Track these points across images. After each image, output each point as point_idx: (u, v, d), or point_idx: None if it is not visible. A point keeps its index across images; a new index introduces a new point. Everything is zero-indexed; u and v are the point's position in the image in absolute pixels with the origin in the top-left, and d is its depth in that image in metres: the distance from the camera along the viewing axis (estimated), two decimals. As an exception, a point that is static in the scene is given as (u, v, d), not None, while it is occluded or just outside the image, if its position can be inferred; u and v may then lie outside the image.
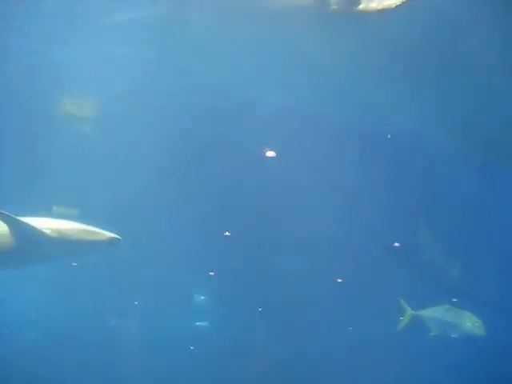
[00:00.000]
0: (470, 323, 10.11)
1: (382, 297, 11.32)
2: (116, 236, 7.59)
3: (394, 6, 5.50)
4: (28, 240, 7.35)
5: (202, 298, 15.35)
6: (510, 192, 9.47)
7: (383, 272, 11.27)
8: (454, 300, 10.50)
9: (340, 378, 12.61)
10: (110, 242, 7.61)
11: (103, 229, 7.62)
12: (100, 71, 8.02)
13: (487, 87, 6.56)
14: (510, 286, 10.99)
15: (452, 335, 10.15)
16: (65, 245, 7.57)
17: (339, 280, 11.92)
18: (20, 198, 8.80)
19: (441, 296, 10.79)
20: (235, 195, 10.04)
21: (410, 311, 10.51)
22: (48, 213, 8.07)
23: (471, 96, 6.50)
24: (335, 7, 5.67)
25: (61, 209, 10.04)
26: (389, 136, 7.89)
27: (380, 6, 5.58)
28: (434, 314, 10.46)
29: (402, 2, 5.47)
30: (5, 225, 7.28)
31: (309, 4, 5.70)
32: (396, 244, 10.55)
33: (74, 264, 11.70)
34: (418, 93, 6.90)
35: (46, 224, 7.51)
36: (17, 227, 7.22)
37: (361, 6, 5.62)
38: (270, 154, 9.06)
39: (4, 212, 7.07)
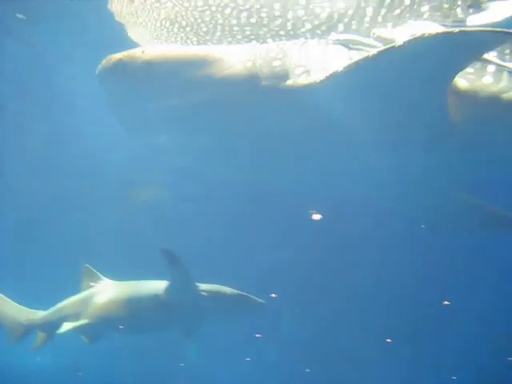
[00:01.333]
0: None
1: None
2: (263, 301, 8.14)
3: (319, 81, 5.39)
4: (193, 301, 8.22)
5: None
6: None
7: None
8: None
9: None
10: (258, 307, 8.19)
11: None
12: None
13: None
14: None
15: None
16: (220, 308, 8.07)
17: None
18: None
19: None
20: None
21: None
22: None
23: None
24: (266, 83, 5.72)
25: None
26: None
27: (306, 81, 5.51)
28: None
29: (328, 77, 5.33)
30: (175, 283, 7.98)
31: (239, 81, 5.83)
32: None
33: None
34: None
35: (202, 287, 8.34)
36: (188, 287, 8.10)
37: (289, 82, 5.60)
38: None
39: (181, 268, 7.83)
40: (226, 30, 7.66)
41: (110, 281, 9.27)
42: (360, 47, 5.54)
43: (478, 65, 5.60)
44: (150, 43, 8.35)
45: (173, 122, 6.32)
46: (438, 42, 4.65)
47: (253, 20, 7.10)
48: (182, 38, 8.08)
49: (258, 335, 14.32)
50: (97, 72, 6.85)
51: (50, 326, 9.00)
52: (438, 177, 6.05)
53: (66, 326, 8.56)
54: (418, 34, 4.70)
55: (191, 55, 6.10)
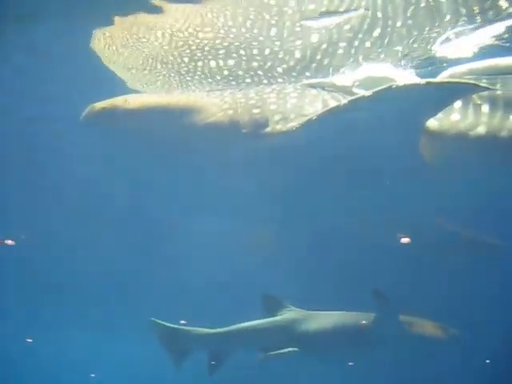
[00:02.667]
0: None
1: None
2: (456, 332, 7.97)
3: (295, 127, 5.68)
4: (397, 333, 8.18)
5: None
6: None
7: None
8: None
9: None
10: (453, 338, 8.00)
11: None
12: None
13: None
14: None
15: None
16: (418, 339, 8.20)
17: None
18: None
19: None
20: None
21: None
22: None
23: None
24: (247, 130, 5.98)
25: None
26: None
27: (284, 128, 5.79)
28: None
29: (303, 124, 5.63)
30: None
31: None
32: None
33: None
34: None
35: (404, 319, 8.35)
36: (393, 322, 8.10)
37: (268, 129, 5.87)
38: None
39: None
40: (205, 71, 7.95)
41: (300, 310, 9.22)
42: (332, 90, 5.82)
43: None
44: (136, 80, 8.58)
45: (157, 169, 6.55)
46: (406, 93, 4.94)
47: (231, 62, 7.39)
48: (163, 76, 8.35)
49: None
50: (81, 119, 7.07)
51: (222, 347, 8.91)
52: (412, 207, 6.33)
53: (272, 353, 8.49)
54: (387, 85, 5.02)
55: (173, 105, 6.33)
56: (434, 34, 6.60)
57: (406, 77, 5.92)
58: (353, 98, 5.30)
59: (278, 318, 8.94)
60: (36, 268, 13.13)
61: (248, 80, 7.84)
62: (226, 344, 8.91)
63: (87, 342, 16.44)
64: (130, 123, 6.52)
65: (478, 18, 6.35)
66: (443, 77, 6.01)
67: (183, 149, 6.23)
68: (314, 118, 5.48)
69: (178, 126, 6.21)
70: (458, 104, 5.94)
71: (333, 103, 5.70)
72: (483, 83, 5.25)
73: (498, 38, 6.74)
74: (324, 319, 8.77)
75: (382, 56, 6.89)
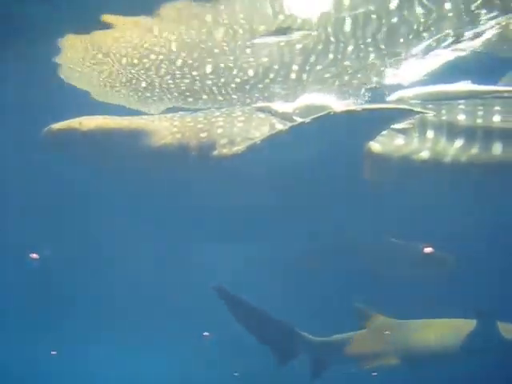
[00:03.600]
0: None
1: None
2: None
3: (240, 151, 5.76)
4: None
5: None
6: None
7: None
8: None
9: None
10: None
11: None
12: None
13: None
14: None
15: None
16: None
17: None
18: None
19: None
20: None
21: None
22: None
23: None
24: (194, 153, 6.06)
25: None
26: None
27: (230, 152, 5.88)
28: None
29: (248, 148, 5.71)
30: None
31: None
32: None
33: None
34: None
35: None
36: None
37: (215, 152, 5.96)
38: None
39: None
40: (163, 86, 7.96)
41: (394, 320, 9.11)
42: (275, 115, 5.87)
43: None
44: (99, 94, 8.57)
45: (111, 189, 6.61)
46: (342, 118, 5.01)
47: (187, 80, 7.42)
48: (123, 93, 8.36)
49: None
50: (38, 139, 7.09)
51: (324, 356, 8.90)
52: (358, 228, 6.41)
53: (374, 361, 8.50)
54: (325, 111, 5.10)
55: (124, 128, 6.44)
56: (383, 59, 6.80)
57: (347, 103, 5.94)
58: (293, 123, 5.39)
59: (373, 327, 8.92)
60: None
61: (204, 96, 8.03)
62: (328, 353, 8.96)
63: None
64: (84, 146, 6.60)
65: (426, 43, 6.49)
66: (390, 100, 6.04)
67: (134, 171, 6.30)
68: (258, 142, 5.57)
69: (128, 149, 6.35)
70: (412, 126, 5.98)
71: (280, 127, 5.75)
72: (418, 108, 5.32)
73: (446, 64, 6.92)
74: (424, 328, 8.71)
75: (330, 81, 7.10)
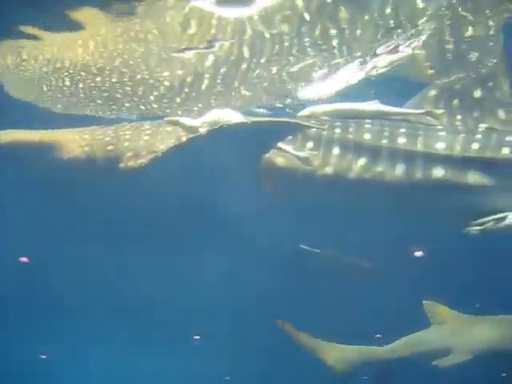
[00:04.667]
0: None
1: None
2: None
3: (143, 164, 5.81)
4: None
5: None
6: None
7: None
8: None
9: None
10: None
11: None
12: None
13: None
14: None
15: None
16: None
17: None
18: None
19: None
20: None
21: None
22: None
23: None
24: (102, 165, 6.13)
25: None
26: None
27: (134, 164, 5.94)
28: None
29: (150, 161, 5.75)
30: None
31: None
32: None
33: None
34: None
35: None
36: None
37: (121, 165, 6.01)
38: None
39: None
40: (86, 92, 7.94)
41: (464, 315, 8.65)
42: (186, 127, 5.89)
43: (297, 143, 6.02)
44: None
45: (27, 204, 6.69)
46: (236, 131, 5.18)
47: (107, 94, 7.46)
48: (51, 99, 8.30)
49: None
50: None
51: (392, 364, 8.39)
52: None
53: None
54: (219, 123, 5.19)
55: (37, 141, 6.60)
56: (298, 73, 6.87)
57: (251, 115, 6.02)
58: (190, 136, 5.47)
59: (446, 325, 8.46)
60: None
61: (127, 105, 8.04)
62: (397, 360, 8.42)
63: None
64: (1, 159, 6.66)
65: (339, 60, 6.59)
66: (300, 116, 6.09)
67: (48, 183, 6.45)
68: (160, 154, 5.64)
69: (41, 162, 6.47)
70: (309, 144, 6.04)
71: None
72: (310, 123, 5.44)
73: (357, 82, 7.02)
74: (499, 323, 8.34)
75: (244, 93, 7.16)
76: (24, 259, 9.41)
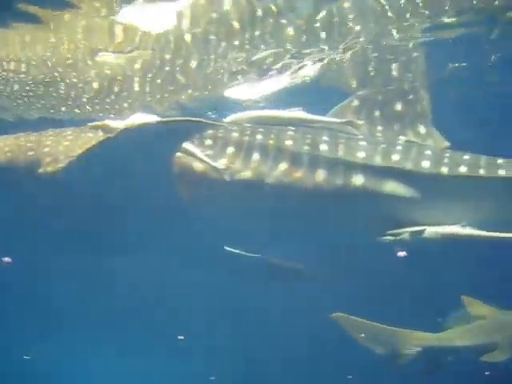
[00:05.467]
0: None
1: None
2: None
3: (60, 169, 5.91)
4: None
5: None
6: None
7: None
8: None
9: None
10: None
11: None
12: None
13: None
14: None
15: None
16: None
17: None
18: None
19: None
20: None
21: None
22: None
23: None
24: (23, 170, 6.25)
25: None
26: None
27: (52, 169, 6.01)
28: None
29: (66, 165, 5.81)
30: None
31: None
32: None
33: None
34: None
35: None
36: None
37: (40, 169, 6.12)
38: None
39: None
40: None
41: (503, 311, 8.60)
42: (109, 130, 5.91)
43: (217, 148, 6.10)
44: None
45: None
46: (140, 131, 5.23)
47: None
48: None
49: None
50: None
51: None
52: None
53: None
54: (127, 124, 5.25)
55: None
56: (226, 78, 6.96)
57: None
58: (100, 139, 5.52)
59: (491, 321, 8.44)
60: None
61: (63, 108, 8.09)
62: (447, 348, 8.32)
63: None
64: None
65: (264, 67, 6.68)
66: (227, 121, 6.15)
67: None
68: (74, 159, 5.72)
69: None
70: (229, 149, 6.09)
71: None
72: (210, 121, 5.49)
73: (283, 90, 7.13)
74: None
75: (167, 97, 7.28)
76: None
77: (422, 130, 6.44)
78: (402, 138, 6.36)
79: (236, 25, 5.91)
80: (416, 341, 8.13)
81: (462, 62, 6.83)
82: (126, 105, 7.54)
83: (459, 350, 8.20)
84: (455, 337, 8.39)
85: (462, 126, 7.42)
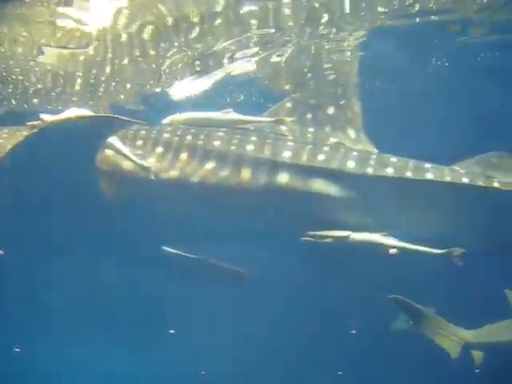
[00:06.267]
0: None
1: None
2: None
3: None
4: None
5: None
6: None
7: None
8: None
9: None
10: None
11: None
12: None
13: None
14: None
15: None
16: None
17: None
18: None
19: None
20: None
21: None
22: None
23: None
24: None
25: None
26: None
27: None
28: None
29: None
30: None
31: None
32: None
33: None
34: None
35: None
36: None
37: None
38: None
39: None
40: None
41: None
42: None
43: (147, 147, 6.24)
44: None
45: None
46: (58, 126, 5.30)
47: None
48: None
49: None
50: None
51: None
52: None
53: None
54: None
55: None
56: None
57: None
58: (24, 133, 5.58)
59: None
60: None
61: (5, 102, 8.11)
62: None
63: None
64: None
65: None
66: (164, 123, 6.26)
67: None
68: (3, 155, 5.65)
69: None
70: (159, 149, 6.21)
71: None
72: (124, 118, 5.38)
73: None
74: None
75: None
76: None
77: (352, 134, 6.54)
78: (333, 140, 6.43)
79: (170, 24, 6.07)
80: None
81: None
82: (68, 100, 7.64)
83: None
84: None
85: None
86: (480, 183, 5.84)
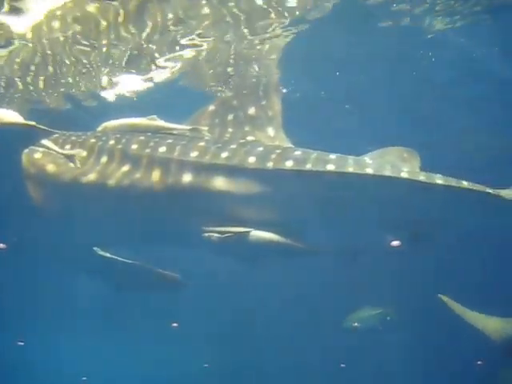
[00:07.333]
0: None
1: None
2: None
3: None
4: None
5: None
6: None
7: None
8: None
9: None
10: None
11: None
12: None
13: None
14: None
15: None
16: None
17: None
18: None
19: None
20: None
21: None
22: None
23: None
24: None
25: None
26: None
27: None
28: None
29: None
30: None
31: None
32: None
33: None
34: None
35: None
36: None
37: None
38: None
39: None
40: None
41: None
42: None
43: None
44: None
45: None
46: None
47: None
48: None
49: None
50: None
51: None
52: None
53: None
54: None
55: None
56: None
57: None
58: None
59: None
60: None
61: None
62: None
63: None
64: None
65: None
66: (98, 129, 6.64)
67: None
68: None
69: None
70: (82, 153, 6.48)
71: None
72: (43, 126, 5.61)
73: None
74: None
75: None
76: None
77: (271, 132, 6.54)
78: (249, 139, 6.46)
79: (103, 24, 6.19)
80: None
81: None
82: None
83: None
84: None
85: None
86: (387, 173, 5.64)
